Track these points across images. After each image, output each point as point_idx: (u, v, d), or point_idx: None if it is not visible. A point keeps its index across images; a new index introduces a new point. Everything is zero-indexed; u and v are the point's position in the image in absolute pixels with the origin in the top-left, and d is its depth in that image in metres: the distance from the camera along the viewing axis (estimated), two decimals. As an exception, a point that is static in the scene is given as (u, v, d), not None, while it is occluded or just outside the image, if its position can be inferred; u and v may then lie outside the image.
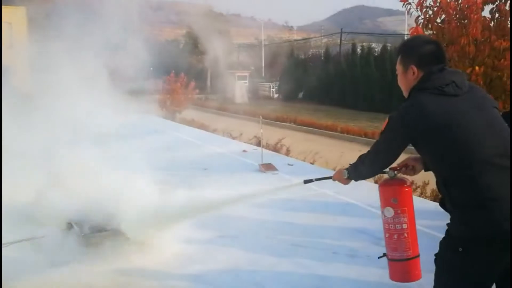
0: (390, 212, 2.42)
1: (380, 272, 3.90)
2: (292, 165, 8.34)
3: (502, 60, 5.33)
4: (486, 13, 5.54)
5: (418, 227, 5.18)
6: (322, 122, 18.02)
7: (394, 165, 2.43)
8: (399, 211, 2.42)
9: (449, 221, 2.14)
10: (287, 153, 10.38)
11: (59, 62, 6.26)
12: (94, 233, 4.33)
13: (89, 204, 4.82)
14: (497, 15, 5.46)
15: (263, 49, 45.21)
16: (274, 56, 43.01)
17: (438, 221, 5.36)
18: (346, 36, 34.66)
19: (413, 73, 2.24)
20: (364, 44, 30.80)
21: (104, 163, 6.41)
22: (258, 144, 9.81)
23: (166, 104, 17.86)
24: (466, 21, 5.46)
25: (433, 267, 4.00)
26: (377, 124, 18.06)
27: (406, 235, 2.44)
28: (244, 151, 9.60)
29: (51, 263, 4.10)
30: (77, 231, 4.42)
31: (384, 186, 2.49)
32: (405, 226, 2.44)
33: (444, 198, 2.15)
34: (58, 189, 4.75)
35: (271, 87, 33.97)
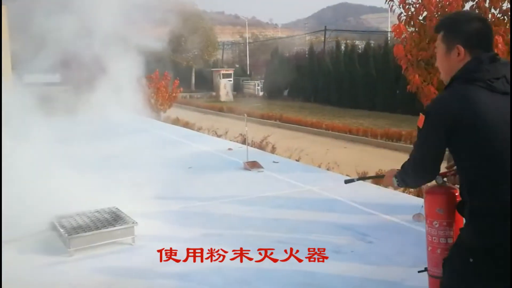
0: (435, 223, 2.17)
1: (365, 267, 3.94)
2: (277, 162, 8.35)
3: (483, 56, 5.39)
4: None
5: (403, 222, 5.28)
6: (308, 119, 18.07)
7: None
8: (444, 223, 2.16)
9: (463, 227, 1.99)
10: (273, 150, 10.39)
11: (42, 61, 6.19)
12: (78, 233, 4.29)
13: (72, 204, 4.79)
14: (476, 12, 5.53)
15: (247, 47, 45.15)
16: (259, 53, 43.05)
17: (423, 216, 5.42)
18: (330, 33, 34.82)
19: (458, 54, 1.95)
20: (348, 41, 30.97)
21: (88, 162, 6.36)
22: (244, 142, 9.81)
23: (150, 102, 17.73)
24: (447, 18, 5.52)
25: (419, 263, 4.05)
26: (361, 121, 18.19)
27: None
28: (229, 149, 9.59)
29: (35, 264, 4.06)
30: (61, 231, 4.38)
31: (429, 194, 2.23)
32: (450, 240, 2.16)
33: (464, 204, 1.96)
34: (40, 188, 4.69)
35: (256, 85, 33.95)
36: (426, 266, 2.31)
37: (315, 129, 16.35)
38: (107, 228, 4.40)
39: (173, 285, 3.67)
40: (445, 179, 2.21)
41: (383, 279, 3.75)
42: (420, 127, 1.95)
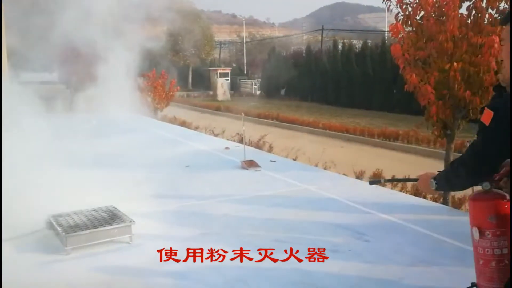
0: (487, 234, 1.99)
1: (362, 266, 3.95)
2: (274, 161, 8.36)
3: (479, 56, 5.43)
4: (463, 10, 5.64)
5: (400, 221, 5.29)
6: (305, 118, 18.09)
7: None
8: (498, 233, 1.98)
9: None
10: (270, 149, 10.40)
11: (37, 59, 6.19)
12: (75, 231, 4.28)
13: (69, 202, 4.78)
14: (473, 12, 5.56)
15: (244, 46, 45.14)
16: (256, 53, 43.03)
17: (420, 215, 5.46)
18: (327, 32, 34.80)
19: None
20: (345, 40, 30.95)
21: (85, 160, 6.36)
22: (241, 141, 9.81)
23: (147, 101, 17.70)
24: (444, 17, 5.54)
25: (416, 261, 4.06)
26: (358, 120, 18.22)
27: (506, 261, 1.99)
28: (227, 148, 9.58)
29: (32, 262, 4.05)
30: (58, 229, 4.37)
31: (477, 201, 2.03)
32: (505, 251, 1.99)
33: None
34: (37, 187, 4.68)
35: (253, 84, 33.96)
36: (474, 282, 2.13)
37: (312, 128, 16.37)
38: (104, 226, 4.40)
39: (171, 284, 3.67)
40: (492, 183, 2.04)
41: (381, 277, 3.76)
42: (486, 124, 1.71)
